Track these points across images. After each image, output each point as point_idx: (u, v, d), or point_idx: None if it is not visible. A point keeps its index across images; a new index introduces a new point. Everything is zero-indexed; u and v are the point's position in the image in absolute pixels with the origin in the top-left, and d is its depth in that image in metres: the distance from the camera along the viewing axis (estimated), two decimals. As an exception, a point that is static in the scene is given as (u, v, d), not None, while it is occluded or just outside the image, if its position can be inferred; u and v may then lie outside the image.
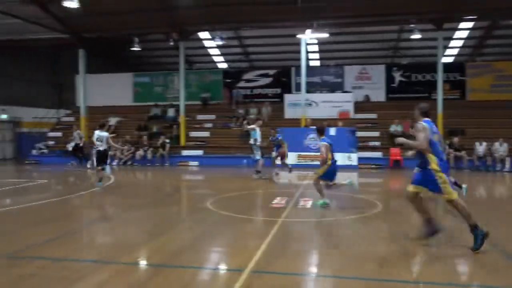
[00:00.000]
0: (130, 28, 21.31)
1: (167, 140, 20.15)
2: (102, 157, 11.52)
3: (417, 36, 20.39)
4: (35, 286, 4.45)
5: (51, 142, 22.73)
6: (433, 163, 5.57)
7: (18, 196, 10.89)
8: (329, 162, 8.51)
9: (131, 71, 27.23)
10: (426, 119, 5.84)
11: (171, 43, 23.17)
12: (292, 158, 17.68)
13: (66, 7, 16.08)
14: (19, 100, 23.82)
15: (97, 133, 11.53)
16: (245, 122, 18.67)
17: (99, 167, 11.49)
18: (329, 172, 8.57)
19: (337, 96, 22.64)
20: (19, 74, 24.05)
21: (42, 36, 21.59)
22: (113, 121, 22.90)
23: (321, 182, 8.66)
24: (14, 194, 11.34)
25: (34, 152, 21.83)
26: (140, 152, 19.90)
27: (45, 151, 21.96)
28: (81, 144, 18.91)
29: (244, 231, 7.03)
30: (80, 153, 18.94)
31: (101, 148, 11.42)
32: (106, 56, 27.84)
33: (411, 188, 5.85)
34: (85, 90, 22.46)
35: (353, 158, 17.68)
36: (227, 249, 6.04)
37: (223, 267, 5.31)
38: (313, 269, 5.29)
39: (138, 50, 23.82)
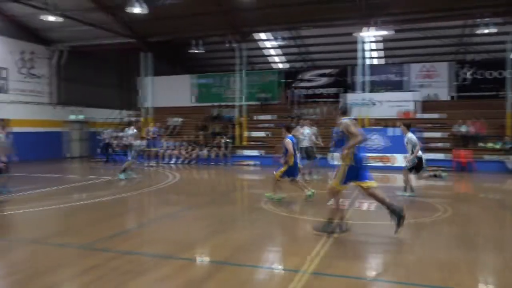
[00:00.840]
0: (192, 32, 21.99)
1: (228, 140, 20.57)
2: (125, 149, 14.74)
3: (486, 30, 19.15)
4: (102, 277, 4.72)
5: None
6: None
7: (89, 192, 11.57)
8: (292, 161, 9.08)
9: (192, 73, 28.05)
10: (345, 117, 6.39)
11: (230, 45, 23.58)
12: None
13: (132, 13, 16.90)
14: (92, 101, 25.51)
15: (127, 130, 14.72)
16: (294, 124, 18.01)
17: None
18: (290, 170, 9.20)
19: (399, 95, 21.83)
20: (92, 77, 25.69)
21: (111, 41, 22.89)
22: (176, 121, 23.75)
23: (281, 179, 9.30)
24: (86, 189, 12.09)
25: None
26: (201, 152, 20.49)
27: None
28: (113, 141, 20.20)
29: (301, 231, 7.01)
30: (108, 151, 20.63)
31: (126, 143, 14.66)
32: (169, 58, 28.90)
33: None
34: (149, 92, 23.50)
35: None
36: (285, 249, 6.05)
37: (280, 267, 5.32)
38: (375, 274, 5.13)
39: (199, 53, 24.51)
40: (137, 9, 16.08)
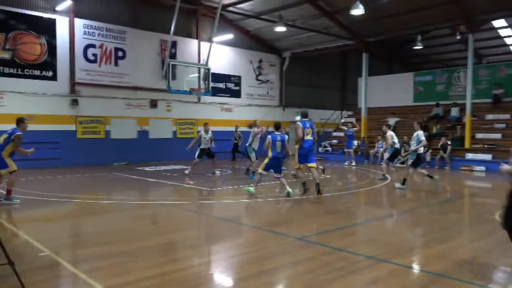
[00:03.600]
0: (412, 27, 20.87)
1: (449, 142, 18.76)
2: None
3: None
4: (315, 269, 4.94)
5: (334, 141, 24.77)
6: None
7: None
8: (270, 155, 9.84)
9: (411, 70, 26.64)
10: (304, 119, 9.85)
11: (458, 37, 21.37)
12: None
13: (351, 15, 17.17)
14: (311, 103, 27.12)
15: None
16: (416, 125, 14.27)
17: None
18: (269, 165, 9.93)
19: None
20: (310, 80, 27.48)
21: (330, 44, 23.85)
22: (392, 121, 22.99)
23: (265, 173, 10.04)
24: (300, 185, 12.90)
25: (319, 149, 24.30)
26: (418, 154, 19.34)
27: (329, 149, 24.11)
28: None
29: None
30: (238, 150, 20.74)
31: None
32: (386, 57, 28.23)
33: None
34: (366, 92, 23.45)
35: None
36: (520, 272, 5.12)
37: (514, 291, 4.54)
38: None
39: (417, 49, 23.03)
40: (358, 11, 16.27)
